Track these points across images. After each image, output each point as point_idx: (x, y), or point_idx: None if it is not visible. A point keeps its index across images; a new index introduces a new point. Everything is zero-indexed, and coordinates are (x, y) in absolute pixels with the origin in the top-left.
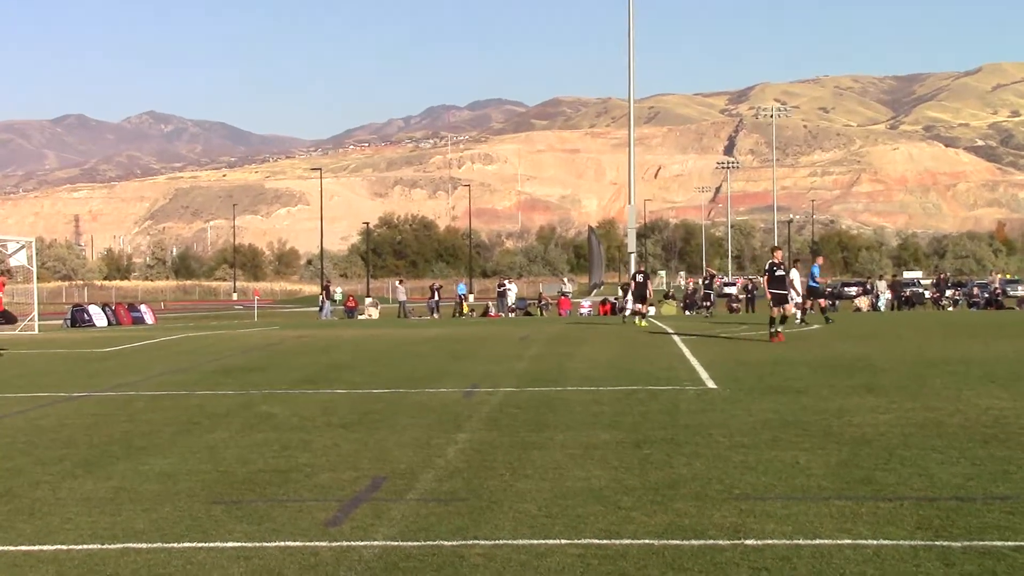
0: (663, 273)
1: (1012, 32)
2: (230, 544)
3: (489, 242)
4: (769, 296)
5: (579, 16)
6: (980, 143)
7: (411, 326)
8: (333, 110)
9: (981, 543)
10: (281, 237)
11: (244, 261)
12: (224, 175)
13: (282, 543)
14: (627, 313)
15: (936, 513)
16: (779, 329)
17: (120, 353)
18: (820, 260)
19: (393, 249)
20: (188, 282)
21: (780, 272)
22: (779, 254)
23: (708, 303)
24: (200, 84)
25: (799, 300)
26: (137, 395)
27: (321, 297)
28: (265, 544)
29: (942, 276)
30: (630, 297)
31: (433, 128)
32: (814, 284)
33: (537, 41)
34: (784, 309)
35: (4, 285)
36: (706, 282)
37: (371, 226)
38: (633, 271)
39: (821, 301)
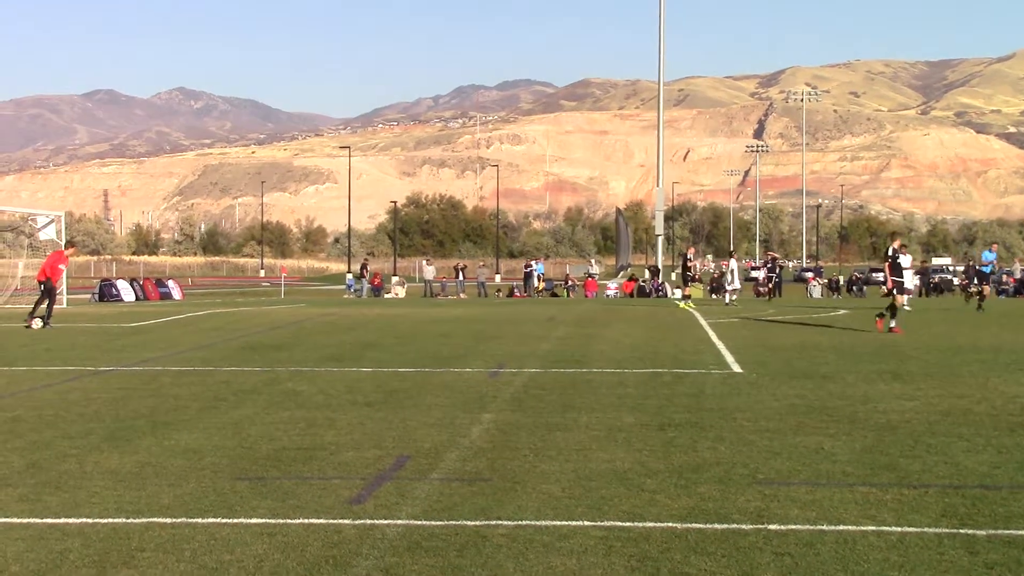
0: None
1: None
2: (254, 520)
3: (516, 223)
4: (892, 285)
5: None
6: (1012, 130)
7: (437, 305)
8: (362, 89)
9: (1006, 532)
10: (309, 215)
11: (272, 238)
12: (253, 152)
13: (306, 520)
14: (731, 294)
15: (961, 501)
16: (893, 324)
17: (147, 328)
18: (995, 246)
19: (420, 228)
20: (216, 258)
21: (901, 259)
22: (899, 240)
23: (770, 287)
24: (230, 61)
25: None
26: (163, 370)
27: (353, 275)
28: (289, 521)
29: (971, 263)
30: (734, 277)
31: (462, 108)
32: (984, 270)
33: (567, 22)
34: (897, 299)
35: (68, 259)
36: (769, 265)
37: (399, 205)
38: (685, 253)
39: (985, 288)
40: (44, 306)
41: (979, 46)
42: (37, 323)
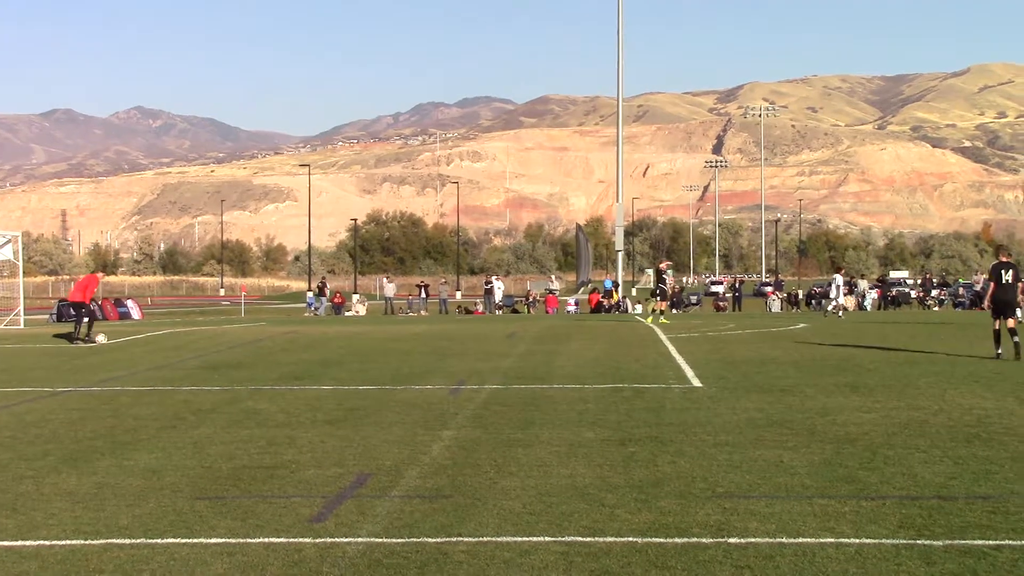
0: (650, 271)
1: (1000, 33)
2: (214, 540)
3: (477, 239)
4: (998, 307)
5: (569, 14)
6: (967, 144)
7: (398, 323)
8: (322, 107)
9: (962, 542)
10: (269, 233)
11: (231, 257)
12: (212, 171)
13: (266, 539)
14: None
15: (918, 512)
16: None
17: (105, 348)
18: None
19: (381, 246)
20: (175, 277)
21: (1009, 277)
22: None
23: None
24: (189, 80)
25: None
26: (122, 390)
27: (313, 293)
28: (249, 540)
29: (928, 276)
30: (836, 291)
31: (422, 125)
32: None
33: (527, 39)
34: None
35: (98, 282)
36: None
37: (359, 223)
38: (656, 268)
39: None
40: (84, 325)
41: (934, 61)
42: (101, 338)
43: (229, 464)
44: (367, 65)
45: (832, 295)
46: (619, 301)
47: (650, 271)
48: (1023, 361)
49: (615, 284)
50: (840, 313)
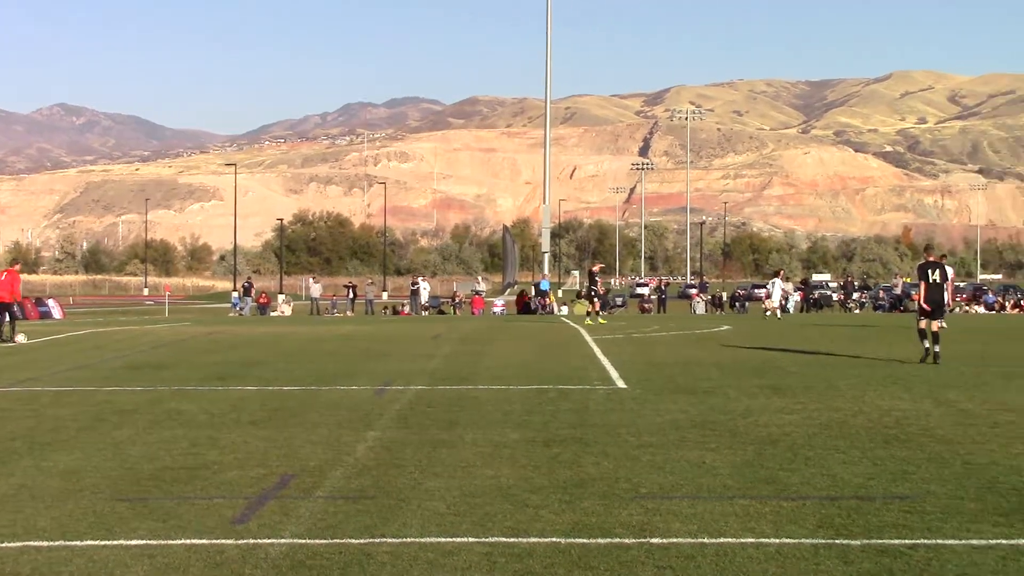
0: (576, 273)
1: (920, 40)
2: (134, 542)
3: (404, 240)
4: (929, 308)
5: (497, 15)
6: (888, 149)
7: (324, 323)
8: (248, 105)
9: (880, 541)
10: (194, 232)
11: (156, 256)
12: (137, 169)
13: (187, 541)
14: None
15: (837, 512)
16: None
17: (25, 348)
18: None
19: (307, 246)
20: (98, 277)
21: (937, 276)
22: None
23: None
24: (113, 77)
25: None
26: (42, 391)
27: (238, 293)
28: (170, 542)
29: (849, 279)
30: (777, 294)
31: (349, 125)
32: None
33: (455, 40)
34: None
35: (19, 277)
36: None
37: (285, 223)
38: (589, 270)
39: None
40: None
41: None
42: (20, 337)
43: (150, 465)
44: (295, 64)
45: (772, 297)
46: (545, 303)
47: (576, 273)
48: (940, 365)
49: (552, 285)
50: (779, 315)
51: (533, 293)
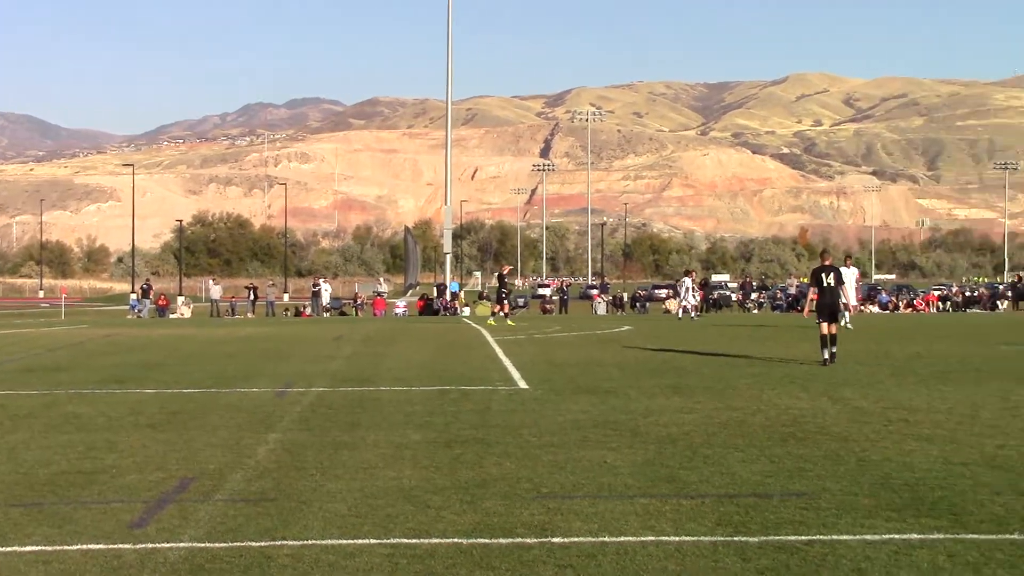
0: (478, 274)
1: (816, 44)
2: (29, 548)
3: (305, 241)
4: (821, 313)
5: (399, 16)
6: (785, 151)
7: (224, 325)
8: (146, 105)
9: (777, 538)
10: (91, 234)
11: (51, 258)
12: (31, 169)
13: (84, 546)
14: (681, 311)
15: (735, 510)
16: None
17: None
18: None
19: (207, 247)
20: None
21: (831, 280)
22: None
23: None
24: (6, 75)
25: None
26: None
27: (136, 295)
28: (66, 547)
29: (748, 279)
30: (688, 294)
31: (249, 126)
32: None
33: (355, 40)
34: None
35: None
36: (701, 283)
37: (185, 224)
38: (499, 272)
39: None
40: None
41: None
42: None
43: (46, 470)
44: (193, 64)
45: (683, 297)
46: (448, 304)
47: (478, 274)
48: (835, 364)
49: (461, 287)
50: (694, 315)
51: (436, 294)
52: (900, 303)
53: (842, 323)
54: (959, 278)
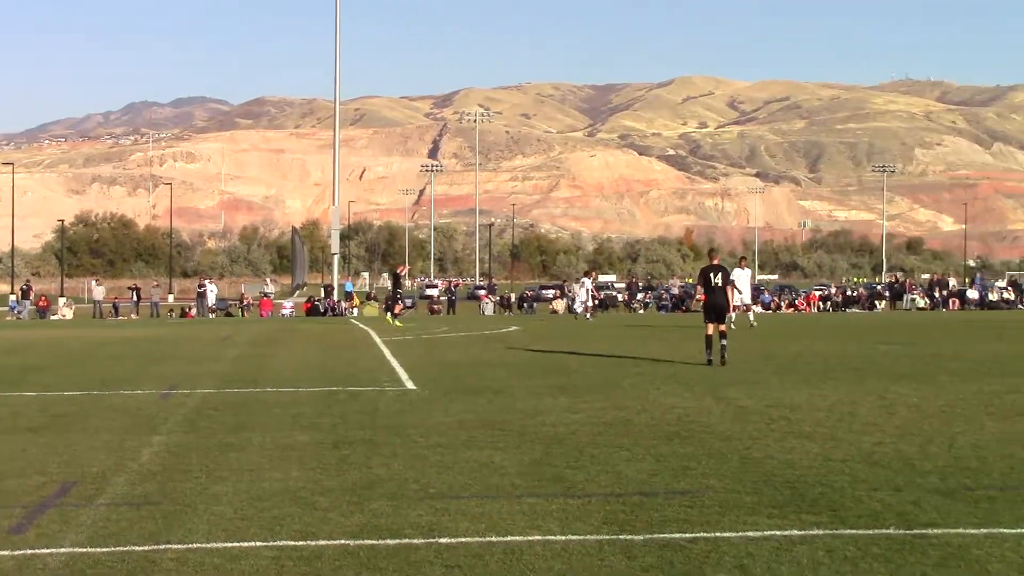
0: (366, 275)
1: (701, 48)
2: None
3: (190, 242)
4: (709, 313)
5: (286, 15)
6: (671, 152)
7: (107, 327)
8: (26, 103)
9: (661, 536)
10: None
11: None
12: None
13: None
14: (580, 311)
15: (621, 508)
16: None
17: None
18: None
19: (90, 248)
20: None
21: (719, 280)
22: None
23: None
24: None
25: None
26: None
27: (16, 296)
28: None
29: (634, 280)
30: (586, 294)
31: (134, 125)
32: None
33: (242, 39)
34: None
35: None
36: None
37: (66, 224)
38: (394, 272)
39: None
40: None
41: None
42: None
43: None
44: (76, 61)
45: (581, 298)
46: (334, 304)
47: (366, 274)
48: (727, 364)
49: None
50: (589, 316)
51: (323, 295)
52: (783, 303)
53: (730, 323)
54: (839, 278)
